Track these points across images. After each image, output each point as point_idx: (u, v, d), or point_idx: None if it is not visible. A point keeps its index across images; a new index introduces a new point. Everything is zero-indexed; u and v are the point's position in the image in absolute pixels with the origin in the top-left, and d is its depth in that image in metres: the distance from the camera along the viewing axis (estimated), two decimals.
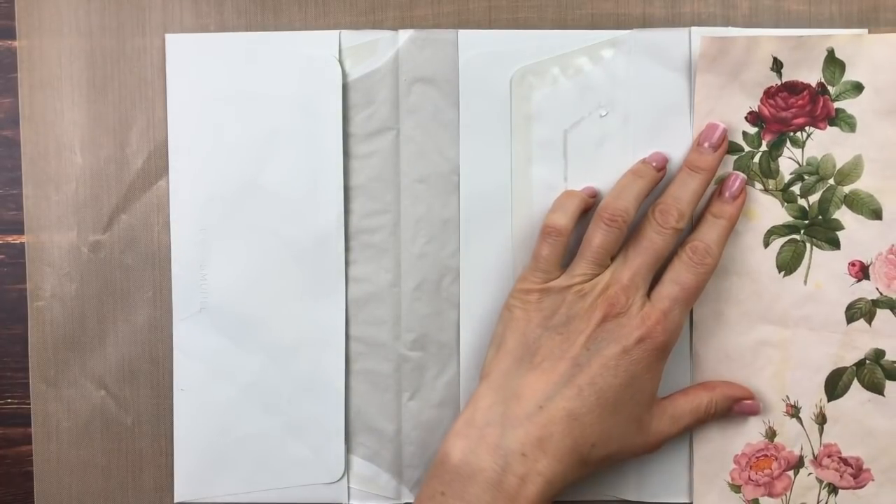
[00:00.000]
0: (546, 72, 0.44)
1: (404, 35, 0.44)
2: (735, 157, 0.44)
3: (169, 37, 0.44)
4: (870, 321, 0.44)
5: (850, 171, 0.44)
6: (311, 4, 0.45)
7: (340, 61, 0.44)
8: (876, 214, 0.44)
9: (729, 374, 0.45)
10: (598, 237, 0.41)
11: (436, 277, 0.45)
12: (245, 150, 0.44)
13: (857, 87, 0.43)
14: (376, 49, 0.44)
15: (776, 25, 0.44)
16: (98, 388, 0.46)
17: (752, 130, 0.44)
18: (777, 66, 0.43)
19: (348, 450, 0.45)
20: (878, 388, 0.44)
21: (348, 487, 0.45)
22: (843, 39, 0.43)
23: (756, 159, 0.44)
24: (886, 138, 0.43)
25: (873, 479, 0.45)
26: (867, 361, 0.44)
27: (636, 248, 0.41)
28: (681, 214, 0.41)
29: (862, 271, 0.44)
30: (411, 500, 0.45)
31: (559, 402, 0.39)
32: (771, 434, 0.45)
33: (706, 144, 0.42)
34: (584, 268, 0.41)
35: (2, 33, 0.45)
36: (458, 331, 0.45)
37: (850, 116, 0.43)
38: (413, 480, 0.45)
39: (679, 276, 0.41)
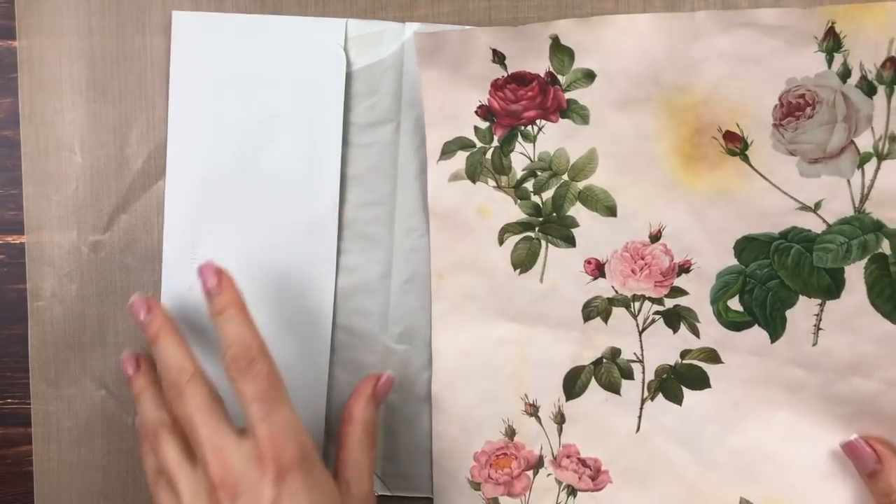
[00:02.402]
0: None
1: (411, 28, 0.44)
2: (467, 153, 0.42)
3: (176, 14, 0.44)
4: (606, 319, 0.42)
5: (584, 166, 0.41)
6: (310, 3, 0.45)
7: (346, 50, 0.44)
8: (611, 211, 0.41)
9: (468, 372, 0.43)
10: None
11: (427, 272, 0.44)
12: (245, 131, 0.44)
13: (589, 76, 0.40)
14: (382, 40, 0.44)
15: None
16: (98, 387, 0.46)
17: (484, 125, 0.42)
18: (499, 57, 0.41)
19: (328, 439, 0.45)
20: (614, 388, 0.43)
21: None
22: (568, 26, 0.39)
23: (488, 155, 0.42)
24: (621, 131, 0.40)
25: (611, 482, 0.43)
26: (604, 360, 0.43)
27: (189, 407, 0.37)
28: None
29: (598, 269, 0.42)
30: (389, 493, 0.46)
31: None
32: (510, 433, 0.44)
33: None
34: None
35: (2, 33, 0.45)
36: None
37: (583, 107, 0.40)
38: (392, 473, 0.45)
39: (243, 391, 0.36)
